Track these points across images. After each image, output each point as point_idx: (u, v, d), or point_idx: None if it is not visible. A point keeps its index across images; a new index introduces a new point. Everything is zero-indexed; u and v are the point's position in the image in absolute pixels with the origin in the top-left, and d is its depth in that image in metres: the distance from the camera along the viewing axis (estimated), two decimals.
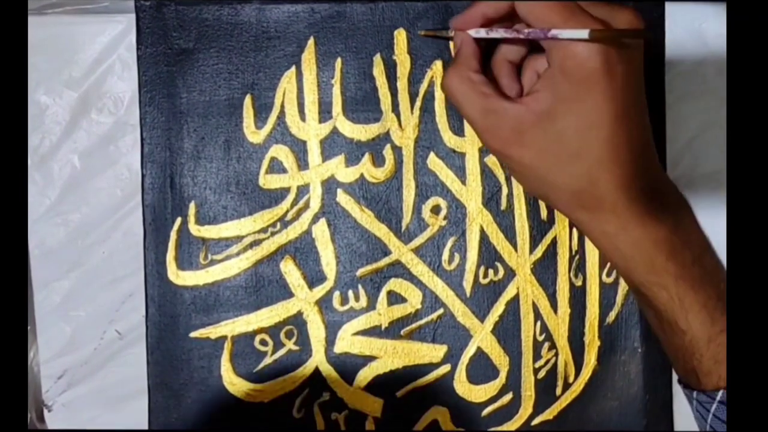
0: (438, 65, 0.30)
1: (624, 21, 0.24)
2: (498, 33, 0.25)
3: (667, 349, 0.27)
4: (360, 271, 0.30)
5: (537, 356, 0.30)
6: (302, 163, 0.30)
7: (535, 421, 0.30)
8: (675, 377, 0.28)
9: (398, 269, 0.30)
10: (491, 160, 0.30)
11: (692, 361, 0.25)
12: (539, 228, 0.30)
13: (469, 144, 0.30)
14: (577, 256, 0.30)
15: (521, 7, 0.24)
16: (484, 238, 0.30)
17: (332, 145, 0.30)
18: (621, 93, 0.23)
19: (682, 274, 0.24)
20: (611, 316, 0.30)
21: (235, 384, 0.29)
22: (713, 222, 0.30)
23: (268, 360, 0.29)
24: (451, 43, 0.28)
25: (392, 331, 0.30)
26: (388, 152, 0.30)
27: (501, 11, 0.25)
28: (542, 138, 0.24)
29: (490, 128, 0.25)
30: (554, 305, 0.30)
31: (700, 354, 0.25)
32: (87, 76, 0.30)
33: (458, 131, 0.30)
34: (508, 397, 0.30)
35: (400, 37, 0.30)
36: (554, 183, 0.24)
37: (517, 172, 0.26)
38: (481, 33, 0.25)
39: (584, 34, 0.22)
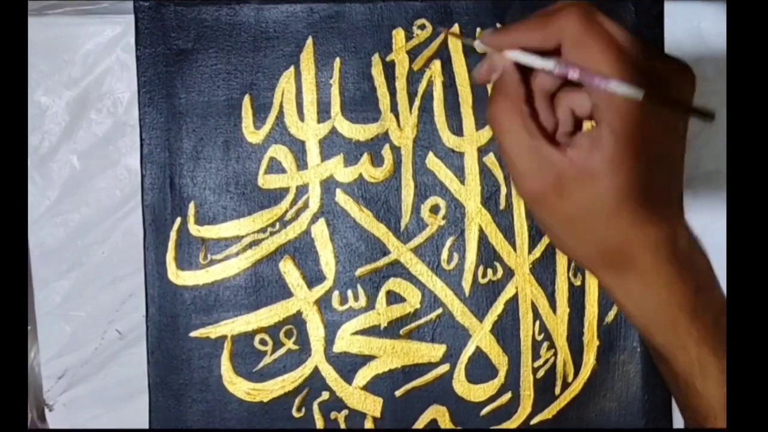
0: (437, 65, 0.30)
1: (683, 78, 0.22)
2: (548, 64, 0.22)
3: (679, 404, 0.26)
4: (359, 271, 0.30)
5: (536, 356, 0.30)
6: (301, 163, 0.30)
7: (534, 421, 0.30)
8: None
9: (397, 269, 0.30)
10: (490, 160, 0.30)
11: (706, 423, 0.25)
12: (538, 228, 0.30)
13: (467, 144, 0.30)
14: None
15: (570, 50, 0.22)
16: (482, 238, 0.30)
17: (331, 145, 0.30)
18: (665, 149, 0.22)
19: (704, 337, 0.24)
20: (610, 315, 0.30)
21: (234, 383, 0.30)
22: (713, 222, 0.30)
23: (267, 359, 0.30)
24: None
25: (391, 330, 0.30)
26: (386, 152, 0.30)
27: (542, 47, 0.22)
28: (582, 194, 0.23)
29: (530, 172, 0.23)
30: (553, 305, 0.30)
31: (714, 417, 0.24)
32: (86, 77, 0.30)
33: (457, 131, 0.30)
34: (507, 397, 0.30)
35: (399, 36, 0.30)
36: (585, 239, 0.23)
37: (546, 223, 0.24)
38: (525, 59, 0.22)
39: (639, 94, 0.20)
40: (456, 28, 0.28)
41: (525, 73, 0.24)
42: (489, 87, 0.25)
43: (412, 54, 0.30)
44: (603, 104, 0.22)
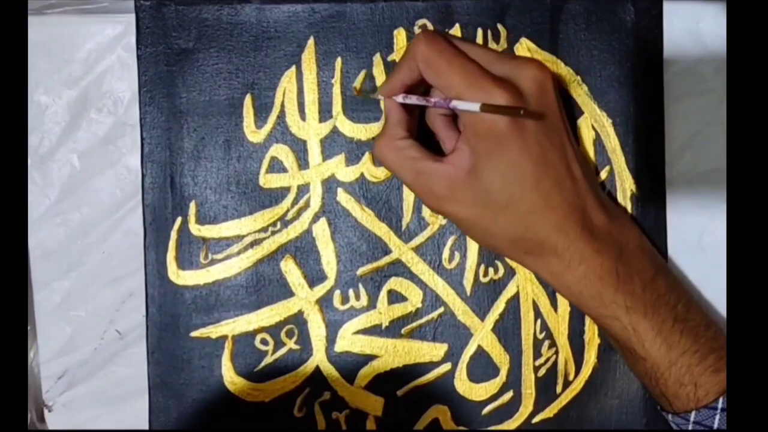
0: None
1: (528, 76, 0.25)
2: (412, 100, 0.26)
3: (635, 374, 0.27)
4: (360, 270, 0.30)
5: (537, 354, 0.30)
6: (302, 163, 0.30)
7: (536, 420, 0.30)
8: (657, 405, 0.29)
9: (399, 268, 0.30)
10: None
11: (658, 386, 0.26)
12: None
13: None
14: None
15: (431, 79, 0.25)
16: None
17: (332, 144, 0.30)
18: (536, 144, 0.25)
19: (632, 303, 0.25)
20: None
21: (235, 383, 0.29)
22: (712, 220, 0.30)
23: (268, 359, 0.29)
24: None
25: (393, 329, 0.30)
26: None
27: (416, 79, 0.26)
28: (472, 193, 0.25)
29: (425, 189, 0.26)
30: (554, 304, 0.30)
31: (664, 379, 0.25)
32: (87, 76, 0.30)
33: None
34: (508, 396, 0.30)
35: (400, 36, 0.30)
36: (493, 233, 0.26)
37: (460, 227, 0.27)
38: (401, 99, 0.27)
39: (476, 107, 0.24)
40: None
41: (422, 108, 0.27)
42: None
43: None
44: (463, 114, 0.25)
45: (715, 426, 0.25)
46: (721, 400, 0.25)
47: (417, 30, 0.30)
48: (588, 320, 0.30)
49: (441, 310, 0.30)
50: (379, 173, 0.30)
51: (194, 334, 0.29)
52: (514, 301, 0.30)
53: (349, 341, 0.30)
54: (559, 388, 0.30)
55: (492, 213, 0.25)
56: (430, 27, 0.30)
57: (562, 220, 0.25)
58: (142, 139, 0.29)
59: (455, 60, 0.25)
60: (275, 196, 0.30)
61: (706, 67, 0.30)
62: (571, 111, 0.29)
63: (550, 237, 0.25)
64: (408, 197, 0.30)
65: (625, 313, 0.25)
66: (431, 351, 0.30)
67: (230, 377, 0.29)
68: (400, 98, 0.27)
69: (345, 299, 0.30)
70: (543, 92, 0.25)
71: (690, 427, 0.25)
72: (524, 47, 0.29)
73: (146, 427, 0.29)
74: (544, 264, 0.26)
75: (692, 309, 0.26)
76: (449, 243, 0.30)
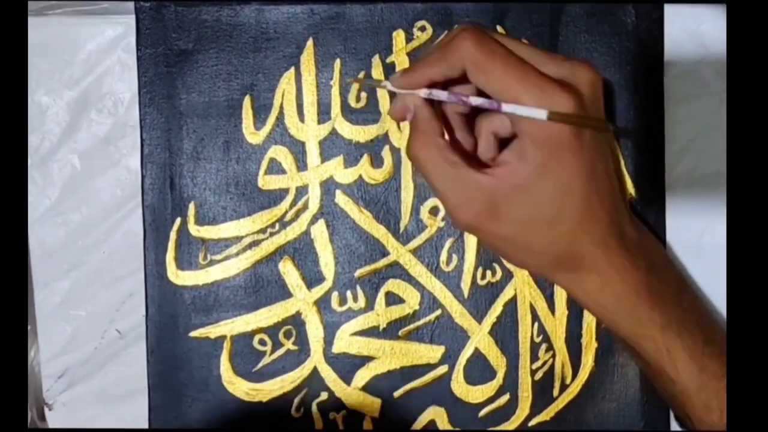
0: None
1: (585, 79, 0.23)
2: (452, 98, 0.23)
3: (661, 395, 0.27)
4: (358, 272, 0.30)
5: (534, 357, 0.30)
6: (301, 164, 0.30)
7: (532, 422, 0.30)
8: (672, 416, 0.29)
9: (396, 270, 0.30)
10: None
11: (685, 408, 0.25)
12: None
13: None
14: None
15: (479, 77, 0.23)
16: None
17: (331, 146, 0.30)
18: (590, 153, 0.23)
19: (666, 322, 0.24)
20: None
21: (234, 383, 0.30)
22: (713, 223, 0.30)
23: (266, 360, 0.30)
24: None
25: (390, 331, 0.30)
26: (386, 153, 0.30)
27: (450, 76, 0.23)
28: (518, 209, 0.23)
29: (460, 201, 0.23)
30: (552, 307, 0.30)
31: (691, 402, 0.25)
32: (87, 77, 0.30)
33: None
34: (505, 398, 0.30)
35: (399, 38, 0.30)
36: (533, 251, 0.24)
37: (494, 245, 0.25)
38: (433, 94, 0.23)
39: (543, 115, 0.21)
40: (363, 74, 0.28)
41: (439, 104, 0.24)
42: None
43: (413, 56, 0.30)
44: (521, 122, 0.23)
45: None
46: None
47: (416, 32, 0.30)
48: (585, 324, 0.30)
49: (438, 312, 0.30)
50: (378, 175, 0.30)
51: (193, 334, 0.30)
52: (512, 304, 0.30)
53: (346, 342, 0.30)
54: (556, 392, 0.30)
55: (535, 230, 0.23)
56: (429, 29, 0.29)
57: (603, 235, 0.24)
58: (142, 140, 0.29)
59: (510, 61, 0.22)
60: (274, 197, 0.30)
61: (706, 70, 0.30)
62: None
63: (590, 252, 0.24)
64: (406, 199, 0.30)
65: (659, 333, 0.24)
66: (428, 353, 0.30)
67: (229, 377, 0.30)
68: (435, 93, 0.23)
69: (343, 301, 0.30)
70: (597, 97, 0.24)
71: None
72: None
73: (146, 427, 0.30)
74: (581, 281, 0.24)
75: (716, 327, 0.26)
76: (447, 245, 0.30)
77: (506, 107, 0.22)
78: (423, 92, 0.24)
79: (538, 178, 0.23)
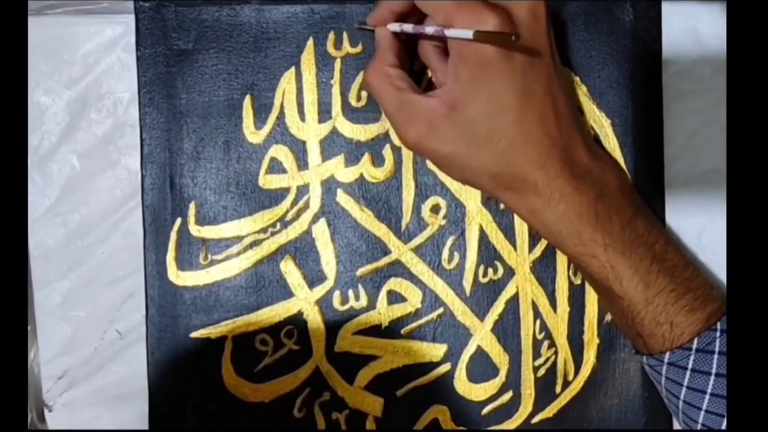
0: None
1: (522, 3, 0.25)
2: (408, 28, 0.26)
3: (612, 315, 0.27)
4: (360, 271, 0.30)
5: (536, 355, 0.30)
6: (302, 164, 0.30)
7: (535, 420, 0.30)
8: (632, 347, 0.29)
9: (398, 269, 0.30)
10: None
11: (634, 326, 0.26)
12: None
13: None
14: None
15: (422, 4, 0.25)
16: (483, 237, 0.30)
17: (332, 145, 0.30)
18: (522, 75, 0.24)
19: (610, 241, 0.25)
20: (610, 314, 0.30)
21: (235, 384, 0.29)
22: (712, 220, 0.30)
23: (268, 360, 0.29)
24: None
25: (392, 330, 0.30)
26: (387, 152, 0.30)
27: (406, 7, 0.26)
28: (454, 128, 0.25)
29: (405, 122, 0.25)
30: (553, 304, 0.30)
31: (640, 318, 0.26)
32: (86, 77, 0.30)
33: None
34: (508, 396, 0.30)
35: None
36: (473, 168, 0.25)
37: (438, 163, 0.27)
38: (395, 27, 0.26)
39: (468, 34, 0.23)
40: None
41: (413, 43, 0.27)
42: None
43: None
44: (453, 45, 0.25)
45: (690, 366, 0.25)
46: (695, 340, 0.25)
47: None
48: (587, 320, 0.30)
49: (440, 310, 0.30)
50: (379, 174, 0.30)
51: (194, 334, 0.29)
52: (514, 302, 0.30)
53: (348, 342, 0.30)
54: (558, 388, 0.30)
55: (472, 148, 0.25)
56: None
57: (543, 156, 0.25)
58: (142, 139, 0.29)
59: None
60: (275, 196, 0.30)
61: (704, 68, 0.30)
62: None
63: (530, 173, 0.25)
64: (407, 198, 0.30)
65: (603, 251, 0.25)
66: (431, 351, 0.30)
67: (230, 377, 0.29)
68: (395, 26, 0.26)
69: (344, 300, 0.30)
70: (536, 21, 0.25)
71: (664, 369, 0.25)
72: None
73: (146, 427, 0.29)
74: (523, 200, 0.25)
75: (670, 249, 0.26)
76: (448, 243, 0.30)
77: (444, 32, 0.24)
78: (395, 26, 0.26)
79: (469, 96, 0.24)
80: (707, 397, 0.24)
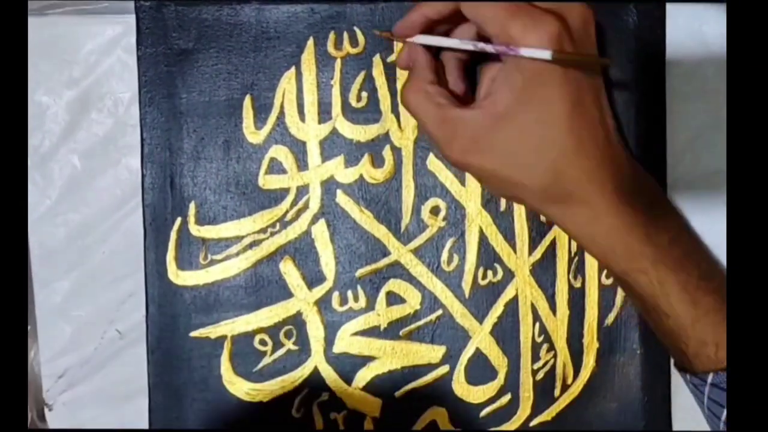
0: None
1: (574, 10, 0.24)
2: (453, 43, 0.24)
3: (656, 333, 0.27)
4: (359, 272, 0.30)
5: (535, 357, 0.30)
6: (302, 164, 0.30)
7: (534, 422, 0.30)
8: (673, 371, 0.28)
9: (397, 270, 0.30)
10: None
11: (680, 344, 0.25)
12: (538, 229, 0.30)
13: None
14: (576, 258, 0.30)
15: (469, 10, 0.23)
16: (483, 240, 0.30)
17: (332, 145, 0.30)
18: (576, 83, 0.23)
19: (660, 257, 0.25)
20: (610, 318, 0.30)
21: (234, 384, 0.30)
22: (713, 222, 0.30)
23: (267, 360, 0.30)
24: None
25: (391, 331, 0.30)
26: (387, 153, 0.30)
27: (444, 13, 0.24)
28: (501, 140, 0.24)
29: (449, 138, 0.24)
30: (553, 307, 0.30)
31: (686, 336, 0.25)
32: (87, 77, 0.30)
33: None
34: (506, 398, 0.30)
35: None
36: (520, 182, 0.24)
37: (482, 179, 0.26)
38: (433, 41, 0.25)
39: (546, 55, 0.22)
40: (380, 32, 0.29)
41: (439, 52, 0.26)
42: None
43: None
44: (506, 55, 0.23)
45: None
46: None
47: None
48: (587, 323, 0.30)
49: (439, 312, 0.30)
50: (379, 175, 0.30)
51: (194, 334, 0.30)
52: (513, 304, 0.30)
53: (347, 342, 0.30)
54: (557, 392, 0.30)
55: (521, 160, 0.24)
56: None
57: (594, 168, 0.24)
58: (142, 139, 0.29)
59: (501, 5, 0.23)
60: (274, 197, 0.30)
61: (708, 69, 0.30)
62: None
63: (580, 186, 0.24)
64: (407, 199, 0.30)
65: (652, 267, 0.24)
66: (429, 353, 0.30)
67: (229, 377, 0.30)
68: (435, 40, 0.25)
69: (344, 300, 0.30)
70: (587, 30, 0.24)
71: (707, 389, 0.25)
72: None
73: (146, 427, 0.30)
74: (571, 214, 0.24)
75: (716, 269, 0.26)
76: (448, 245, 0.30)
77: (512, 50, 0.22)
78: (440, 40, 0.25)
79: (520, 105, 0.23)
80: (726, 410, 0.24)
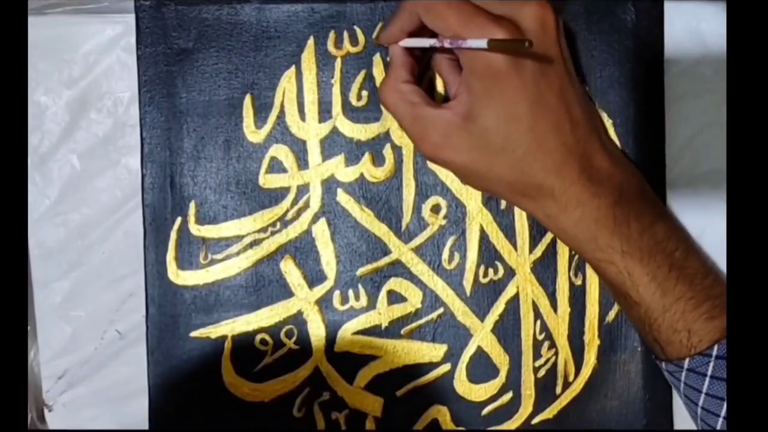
0: None
1: (529, 14, 0.25)
2: (423, 42, 0.26)
3: (629, 319, 0.27)
4: (360, 271, 0.30)
5: (537, 355, 0.30)
6: (302, 163, 0.30)
7: (535, 420, 0.30)
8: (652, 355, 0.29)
9: (398, 268, 0.30)
10: None
11: (651, 332, 0.26)
12: (539, 227, 0.30)
13: None
14: (577, 256, 0.30)
15: (428, 20, 0.25)
16: (484, 238, 0.30)
17: (332, 144, 0.30)
18: (534, 85, 0.25)
19: (627, 248, 0.25)
20: (611, 315, 0.30)
21: (235, 383, 0.29)
22: (713, 221, 0.30)
23: (268, 359, 0.29)
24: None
25: (392, 330, 0.30)
26: (388, 152, 0.30)
27: (415, 26, 0.26)
28: (468, 138, 0.25)
29: (421, 135, 0.26)
30: (554, 304, 0.30)
31: (657, 324, 0.25)
32: (86, 76, 0.30)
33: None
34: (508, 396, 0.30)
35: None
36: (490, 178, 0.26)
37: (457, 173, 0.27)
38: (409, 43, 0.26)
39: (483, 44, 0.23)
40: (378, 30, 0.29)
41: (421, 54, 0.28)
42: None
43: None
44: (461, 53, 0.25)
45: (709, 373, 0.24)
46: (715, 347, 0.25)
47: None
48: (588, 321, 0.30)
49: (441, 310, 0.30)
50: (379, 173, 0.30)
51: (194, 334, 0.29)
52: (514, 302, 0.30)
53: (348, 341, 0.30)
54: (558, 389, 0.30)
55: (488, 157, 0.25)
56: None
57: (558, 163, 0.25)
58: (142, 139, 0.29)
59: (455, 4, 0.24)
60: (275, 196, 0.30)
61: (706, 68, 0.30)
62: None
63: (545, 180, 0.25)
64: (408, 197, 0.30)
65: (620, 258, 0.25)
66: (431, 351, 0.30)
67: (230, 377, 0.29)
68: (408, 42, 0.26)
69: (344, 300, 0.30)
70: (545, 31, 0.25)
71: (683, 375, 0.25)
72: None
73: (146, 427, 0.29)
74: (540, 206, 0.26)
75: (691, 256, 0.26)
76: (449, 243, 0.30)
77: (456, 43, 0.24)
78: (407, 41, 0.27)
79: (482, 106, 0.25)
80: (726, 404, 0.24)
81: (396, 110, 0.26)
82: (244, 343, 0.29)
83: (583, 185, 0.25)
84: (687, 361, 0.25)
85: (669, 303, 0.25)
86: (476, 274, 0.30)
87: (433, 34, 0.26)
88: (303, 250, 0.30)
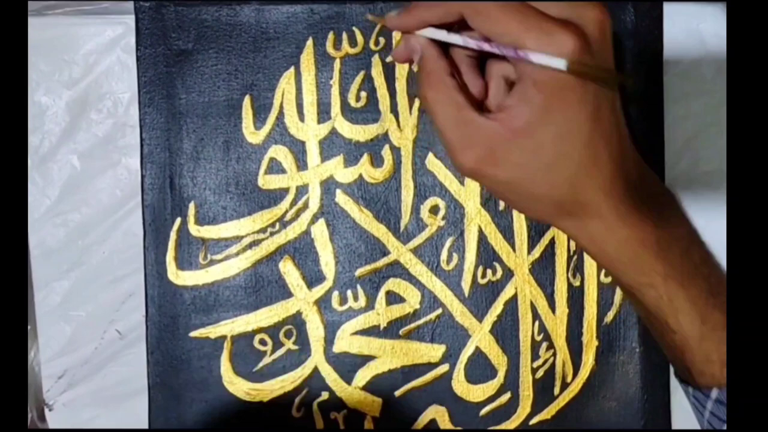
0: None
1: (591, 19, 0.22)
2: (459, 39, 0.23)
3: (661, 346, 0.27)
4: (359, 271, 0.30)
5: (535, 356, 0.30)
6: (301, 164, 0.30)
7: (533, 421, 0.30)
8: (672, 372, 0.28)
9: (397, 269, 0.30)
10: None
11: (685, 359, 0.25)
12: (537, 228, 0.30)
13: None
14: (575, 257, 0.30)
15: (476, 21, 0.22)
16: (482, 239, 0.30)
17: (331, 145, 0.30)
18: (594, 97, 0.23)
19: (670, 271, 0.24)
20: (609, 316, 0.30)
21: (234, 383, 0.30)
22: (713, 222, 0.30)
23: (267, 360, 0.30)
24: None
25: (391, 330, 0.30)
26: (386, 153, 0.30)
27: (446, 20, 0.23)
28: (519, 154, 0.23)
29: (462, 144, 0.23)
30: (552, 305, 0.30)
31: (691, 353, 0.24)
32: (86, 77, 0.30)
33: None
34: (506, 397, 0.30)
35: (398, 37, 0.30)
36: (535, 195, 0.24)
37: (494, 190, 0.25)
38: (440, 35, 0.23)
39: (561, 64, 0.21)
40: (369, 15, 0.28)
41: (446, 46, 0.24)
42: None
43: None
44: (523, 66, 0.22)
45: None
46: None
47: None
48: (586, 322, 0.30)
49: (439, 311, 0.30)
50: (378, 174, 0.30)
51: (193, 334, 0.30)
52: (512, 303, 0.30)
53: (347, 342, 0.30)
54: (556, 390, 0.30)
55: (535, 173, 0.23)
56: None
57: (608, 180, 0.23)
58: (142, 140, 0.29)
59: (508, 3, 0.21)
60: (274, 197, 0.30)
61: (706, 69, 0.30)
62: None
63: (594, 198, 0.23)
64: (406, 198, 0.30)
65: (662, 281, 0.24)
66: (429, 352, 0.30)
67: (229, 377, 0.30)
68: (441, 34, 0.23)
69: (343, 300, 0.30)
70: (604, 38, 0.22)
71: (710, 404, 0.24)
72: None
73: (146, 427, 0.30)
74: (584, 227, 0.24)
75: (722, 282, 0.25)
76: (447, 244, 0.30)
77: (521, 53, 0.21)
78: (439, 32, 0.23)
79: (539, 121, 0.22)
80: None
81: (436, 109, 0.23)
82: (243, 343, 0.30)
83: (630, 204, 0.23)
84: (716, 392, 0.24)
85: (707, 331, 0.24)
86: (475, 275, 0.30)
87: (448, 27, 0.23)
88: (302, 251, 0.30)
